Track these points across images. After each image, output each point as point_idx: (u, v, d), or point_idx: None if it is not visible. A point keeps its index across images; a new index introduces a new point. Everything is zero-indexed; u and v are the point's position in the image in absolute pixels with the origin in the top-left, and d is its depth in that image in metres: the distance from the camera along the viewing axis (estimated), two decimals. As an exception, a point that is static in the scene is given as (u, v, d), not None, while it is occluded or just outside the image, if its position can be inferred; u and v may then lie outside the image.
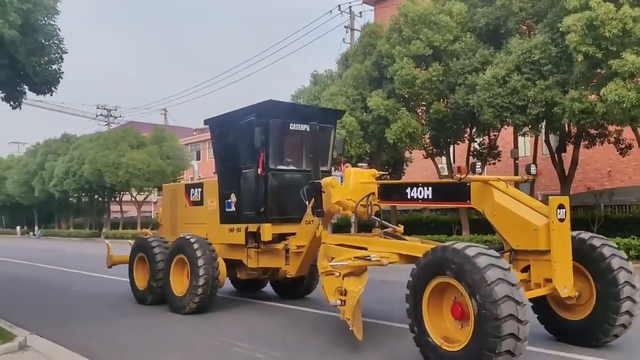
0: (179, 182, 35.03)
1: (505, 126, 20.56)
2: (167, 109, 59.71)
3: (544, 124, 19.19)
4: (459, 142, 23.17)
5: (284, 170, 9.15)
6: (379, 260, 6.53)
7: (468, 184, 6.22)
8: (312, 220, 8.15)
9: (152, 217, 53.12)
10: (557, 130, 19.69)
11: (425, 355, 5.52)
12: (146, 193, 45.47)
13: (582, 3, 14.95)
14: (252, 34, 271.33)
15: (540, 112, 17.01)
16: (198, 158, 53.63)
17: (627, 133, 20.26)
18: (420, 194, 6.73)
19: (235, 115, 9.45)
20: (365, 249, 6.96)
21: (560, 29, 15.52)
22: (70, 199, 53.50)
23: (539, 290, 5.88)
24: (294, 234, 8.79)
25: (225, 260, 9.35)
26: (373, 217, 7.37)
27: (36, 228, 59.54)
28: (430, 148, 23.44)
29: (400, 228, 7.82)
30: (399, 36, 20.78)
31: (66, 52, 9.35)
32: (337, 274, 6.68)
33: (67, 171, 45.18)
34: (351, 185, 7.53)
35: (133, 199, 45.97)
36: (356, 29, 28.73)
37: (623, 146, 20.44)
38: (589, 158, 25.18)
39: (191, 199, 10.45)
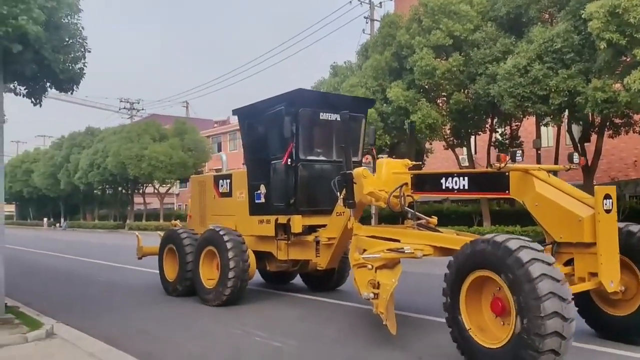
0: (201, 172, 35.31)
1: (527, 116, 20.40)
2: (188, 102, 60.05)
3: (566, 113, 19.00)
4: (480, 132, 23.02)
5: (314, 161, 8.99)
6: (413, 253, 6.36)
7: (507, 174, 5.97)
8: (343, 212, 7.98)
9: (175, 208, 53.61)
10: (580, 120, 19.46)
11: (454, 339, 5.39)
12: (168, 185, 45.88)
13: (605, -11, 14.72)
14: (264, 29, 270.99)
15: (562, 101, 16.83)
16: (219, 150, 53.80)
17: (653, 122, 20.02)
18: (456, 185, 6.50)
19: (264, 105, 9.27)
20: (398, 240, 6.79)
21: (583, 16, 15.25)
22: (94, 191, 54.24)
23: (583, 284, 5.60)
24: (324, 225, 8.63)
25: (255, 252, 9.25)
26: (406, 208, 7.20)
27: (62, 220, 60.40)
28: (451, 139, 23.25)
29: (434, 219, 7.63)
30: (418, 26, 20.67)
31: (89, 51, 9.45)
32: (370, 266, 6.51)
33: (91, 164, 45.89)
34: (383, 175, 7.37)
35: (156, 190, 46.40)
36: (376, 20, 28.56)
37: (649, 135, 20.16)
38: (613, 148, 24.84)
39: (220, 190, 10.36)
